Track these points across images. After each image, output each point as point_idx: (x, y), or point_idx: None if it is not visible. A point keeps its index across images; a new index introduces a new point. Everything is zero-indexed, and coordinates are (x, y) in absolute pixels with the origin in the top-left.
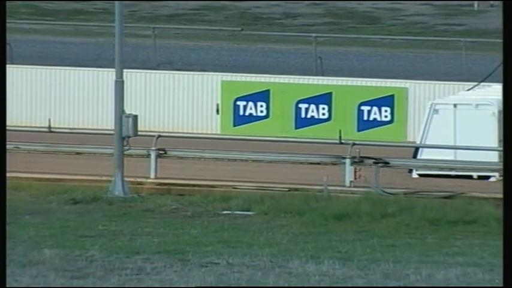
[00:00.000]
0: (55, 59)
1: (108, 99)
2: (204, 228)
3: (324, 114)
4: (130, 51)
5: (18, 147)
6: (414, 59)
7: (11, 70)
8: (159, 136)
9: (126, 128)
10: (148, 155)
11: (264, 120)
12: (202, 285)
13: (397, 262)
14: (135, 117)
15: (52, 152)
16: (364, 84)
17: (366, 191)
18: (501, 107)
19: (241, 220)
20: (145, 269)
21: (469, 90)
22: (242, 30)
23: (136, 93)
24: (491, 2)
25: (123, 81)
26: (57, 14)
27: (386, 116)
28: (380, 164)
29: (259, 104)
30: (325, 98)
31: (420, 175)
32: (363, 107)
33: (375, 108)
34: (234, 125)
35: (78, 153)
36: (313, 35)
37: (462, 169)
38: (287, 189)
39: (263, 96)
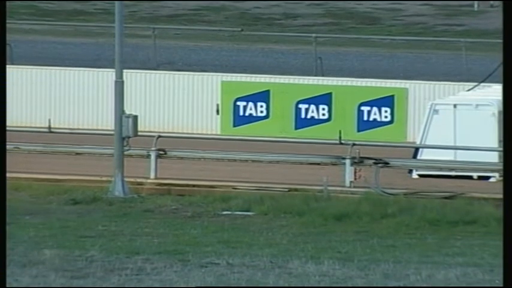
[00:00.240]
0: (55, 60)
1: (108, 100)
2: (204, 228)
3: (324, 114)
4: (131, 52)
5: (18, 148)
6: (414, 60)
7: (11, 70)
8: (159, 136)
9: (126, 128)
10: (148, 156)
11: (264, 120)
12: (202, 286)
13: (397, 262)
14: (135, 117)
15: (52, 153)
16: (364, 84)
17: (365, 191)
18: (501, 108)
19: (241, 220)
20: (145, 269)
21: (469, 90)
22: (242, 30)
23: (137, 94)
24: (491, 2)
25: (123, 82)
26: (57, 14)
27: (386, 117)
28: (380, 165)
29: (259, 104)
30: (325, 99)
31: (420, 175)
32: (362, 108)
33: (374, 109)
34: (234, 126)
35: (78, 154)
36: (313, 35)
37: (462, 169)
38: (287, 190)
39: (263, 96)
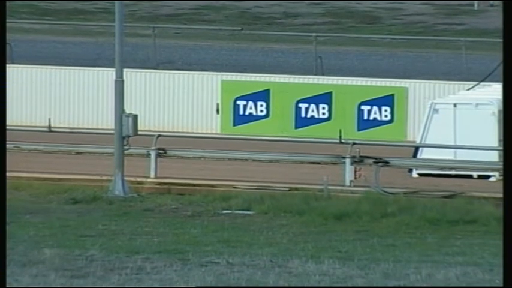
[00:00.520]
0: (55, 59)
1: (108, 99)
2: (204, 227)
3: (324, 113)
4: (130, 51)
5: (19, 147)
6: (414, 59)
7: (11, 70)
8: (159, 136)
9: (126, 127)
10: (149, 155)
11: (264, 119)
12: (202, 285)
13: (397, 262)
14: (135, 116)
15: (52, 152)
16: (364, 83)
17: (366, 190)
18: (501, 107)
19: (241, 219)
20: (145, 269)
21: (469, 89)
22: (242, 29)
23: (137, 93)
24: (491, 1)
25: (123, 81)
26: (57, 13)
27: (386, 116)
28: (380, 164)
29: (259, 103)
30: (325, 98)
31: (420, 175)
32: (363, 107)
33: (375, 108)
34: (234, 125)
35: (78, 153)
36: (313, 34)
37: (462, 169)
38: (287, 189)
39: (263, 95)
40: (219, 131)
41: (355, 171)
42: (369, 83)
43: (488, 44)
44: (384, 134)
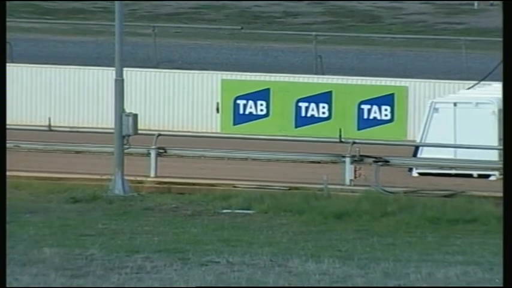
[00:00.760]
0: (55, 58)
1: (108, 98)
2: (204, 227)
3: (324, 113)
4: (131, 50)
5: (19, 146)
6: (414, 58)
7: (11, 69)
8: (159, 135)
9: (126, 126)
10: (149, 154)
11: (264, 118)
12: (202, 284)
13: (397, 261)
14: (135, 115)
15: (52, 151)
16: (364, 82)
17: (366, 189)
18: (501, 106)
19: (241, 219)
20: (145, 268)
21: (469, 88)
22: (242, 28)
23: (137, 92)
24: (491, 1)
25: (123, 80)
26: (57, 12)
27: (386, 115)
28: (380, 163)
29: (259, 102)
30: (325, 97)
31: (420, 174)
32: (363, 106)
33: (375, 107)
34: (234, 124)
35: (78, 152)
36: (313, 33)
37: (462, 168)
38: (287, 188)
39: (263, 94)
40: (219, 130)
41: (355, 171)
42: (369, 82)
43: (488, 43)
44: (384, 133)
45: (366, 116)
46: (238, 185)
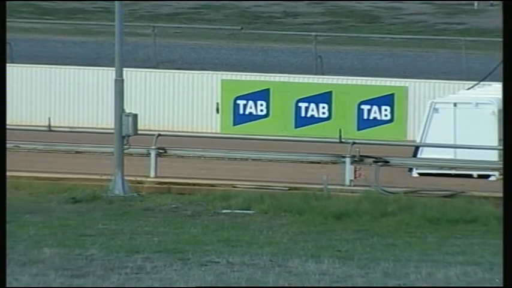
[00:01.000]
0: (55, 58)
1: (108, 98)
2: (204, 227)
3: (324, 113)
4: (130, 50)
5: (18, 146)
6: (414, 58)
7: (11, 69)
8: (159, 135)
9: (126, 126)
10: (148, 154)
11: (264, 119)
12: (202, 285)
13: (397, 261)
14: (135, 116)
15: (52, 151)
16: (364, 83)
17: (366, 190)
18: (501, 106)
19: (241, 219)
20: (145, 268)
21: (469, 89)
22: (242, 29)
23: (136, 92)
24: (491, 1)
25: (123, 80)
26: (57, 13)
27: (386, 115)
28: (380, 163)
29: (259, 103)
30: (325, 97)
31: (420, 174)
32: (362, 106)
33: (374, 107)
34: (234, 124)
35: (78, 152)
36: (313, 33)
37: (462, 168)
38: (287, 188)
39: (263, 95)
40: (219, 131)
41: (355, 171)
42: (368, 83)
43: (488, 43)
44: (383, 134)
45: (365, 116)
46: (238, 185)
